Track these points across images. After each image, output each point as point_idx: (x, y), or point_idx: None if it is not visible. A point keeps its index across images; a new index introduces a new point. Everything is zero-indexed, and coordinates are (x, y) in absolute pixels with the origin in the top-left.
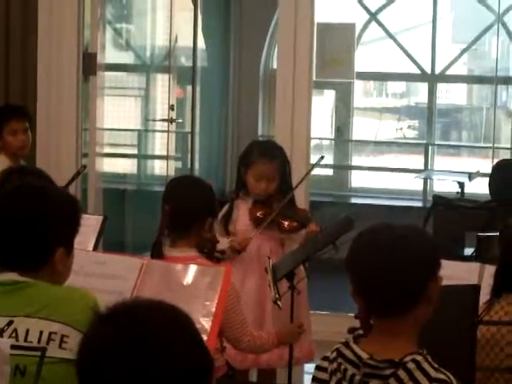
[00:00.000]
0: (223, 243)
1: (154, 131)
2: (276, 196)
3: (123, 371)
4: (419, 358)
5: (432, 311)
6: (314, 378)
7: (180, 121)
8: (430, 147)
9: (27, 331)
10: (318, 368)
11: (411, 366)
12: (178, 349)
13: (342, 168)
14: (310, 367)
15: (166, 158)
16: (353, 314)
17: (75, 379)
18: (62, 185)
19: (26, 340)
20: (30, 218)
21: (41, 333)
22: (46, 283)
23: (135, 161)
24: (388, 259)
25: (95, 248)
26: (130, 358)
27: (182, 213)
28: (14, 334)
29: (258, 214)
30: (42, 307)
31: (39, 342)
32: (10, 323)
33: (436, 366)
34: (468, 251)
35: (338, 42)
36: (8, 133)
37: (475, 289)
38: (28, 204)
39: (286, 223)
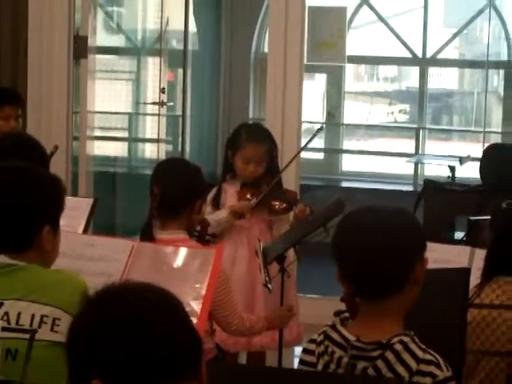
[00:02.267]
0: (220, 214)
1: (145, 114)
2: (264, 179)
3: (112, 354)
4: (406, 339)
5: (419, 293)
6: (302, 361)
7: (171, 104)
8: (421, 131)
9: (19, 314)
10: (304, 351)
11: (398, 347)
12: (168, 331)
13: (333, 152)
14: (300, 350)
15: (157, 141)
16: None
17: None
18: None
19: (17, 323)
20: (15, 199)
21: (33, 316)
22: (37, 266)
23: (126, 144)
24: (374, 242)
25: (85, 231)
26: (119, 341)
27: (172, 195)
28: (5, 318)
29: (247, 196)
30: (33, 290)
31: (31, 325)
32: (0, 305)
33: (423, 346)
34: (459, 235)
35: (330, 25)
36: (1, 117)
37: (466, 272)
38: (11, 185)
39: (277, 204)
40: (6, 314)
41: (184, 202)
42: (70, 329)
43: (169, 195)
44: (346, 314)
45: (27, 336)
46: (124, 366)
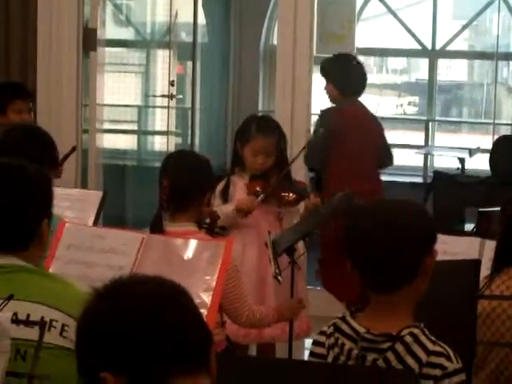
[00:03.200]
0: (227, 208)
1: (154, 107)
2: (272, 171)
3: (121, 347)
4: (416, 331)
5: (429, 285)
6: (312, 353)
7: (180, 96)
8: (430, 123)
9: (28, 315)
10: (315, 343)
11: (408, 339)
12: (177, 324)
13: None
14: (309, 342)
15: (167, 133)
16: None
17: (75, 368)
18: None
19: (27, 325)
20: (18, 198)
21: (42, 318)
22: (45, 271)
23: (135, 137)
24: (384, 234)
25: (95, 223)
26: (128, 334)
27: (181, 188)
28: (14, 317)
29: (256, 188)
30: (42, 294)
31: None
32: (7, 301)
33: (433, 338)
34: (468, 227)
35: (339, 17)
36: (13, 111)
37: (476, 263)
38: (7, 186)
39: (287, 196)
40: (15, 314)
41: (193, 195)
42: (79, 322)
43: (178, 188)
44: (358, 306)
45: (37, 337)
46: (133, 359)
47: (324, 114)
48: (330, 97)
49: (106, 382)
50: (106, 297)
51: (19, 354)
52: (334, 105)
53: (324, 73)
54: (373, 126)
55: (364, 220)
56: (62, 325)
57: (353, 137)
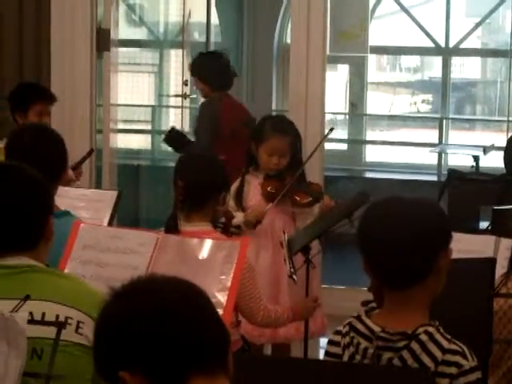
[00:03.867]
0: (238, 218)
1: (168, 107)
2: (287, 171)
3: (139, 346)
4: (431, 329)
5: (444, 284)
6: (327, 352)
7: (194, 96)
8: (444, 121)
9: (43, 314)
10: (330, 342)
11: (424, 337)
12: (194, 323)
13: (357, 143)
14: (325, 341)
15: None
16: (366, 288)
17: (90, 365)
18: (75, 162)
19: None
20: (22, 200)
21: (57, 316)
22: (56, 270)
23: (149, 137)
24: (399, 232)
25: (110, 223)
26: (146, 334)
27: (197, 187)
28: (30, 318)
29: (269, 189)
30: (56, 294)
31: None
32: (23, 302)
33: (449, 337)
34: (483, 225)
35: (352, 16)
36: (34, 113)
37: (491, 262)
38: (10, 187)
39: (300, 197)
40: (31, 313)
41: (208, 195)
42: (97, 321)
43: (193, 188)
44: (373, 304)
45: (53, 335)
46: (151, 359)
47: (203, 105)
48: (201, 93)
49: (125, 382)
50: (125, 297)
51: (35, 352)
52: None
53: (194, 71)
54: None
55: (377, 217)
56: (78, 322)
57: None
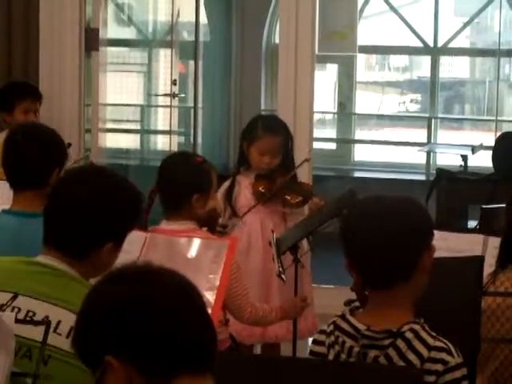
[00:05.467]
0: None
1: (157, 106)
2: (278, 171)
3: (125, 331)
4: (417, 327)
5: (432, 282)
6: (312, 352)
7: (183, 95)
8: (432, 120)
9: (58, 322)
10: (314, 342)
11: (409, 335)
12: (191, 318)
13: (345, 142)
14: None
15: (169, 133)
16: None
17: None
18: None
19: (55, 330)
20: (94, 206)
21: (71, 328)
22: (86, 284)
23: (138, 136)
24: (378, 230)
25: None
26: (133, 319)
27: (167, 190)
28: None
29: (260, 188)
30: (77, 306)
31: (68, 336)
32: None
33: (434, 334)
34: (472, 224)
35: (341, 15)
36: (20, 111)
37: (479, 260)
38: (95, 192)
39: (291, 198)
40: (47, 317)
41: (178, 197)
42: (87, 300)
43: (167, 190)
44: (357, 304)
45: (58, 344)
46: (136, 345)
47: None
48: None
49: (111, 367)
50: (121, 280)
51: (43, 358)
52: None
53: None
54: None
55: (359, 216)
56: None
57: None
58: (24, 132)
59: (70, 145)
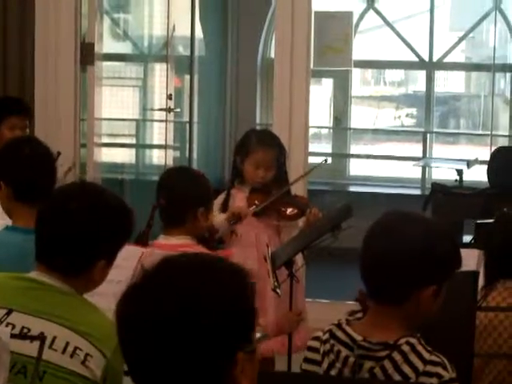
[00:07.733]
0: (220, 217)
1: (152, 121)
2: (272, 184)
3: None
4: (413, 340)
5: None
6: (306, 359)
7: (178, 110)
8: (428, 135)
9: (54, 338)
10: (309, 349)
11: (406, 348)
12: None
13: (341, 156)
14: None
15: (165, 147)
16: (350, 302)
17: None
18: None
19: (50, 346)
20: (85, 224)
21: (67, 344)
22: (78, 297)
23: (133, 150)
24: (389, 247)
25: None
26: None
27: (174, 204)
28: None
29: (255, 202)
30: (69, 319)
31: (64, 352)
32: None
33: (429, 348)
34: (467, 238)
35: (336, 30)
36: (6, 127)
37: (474, 275)
38: (86, 210)
39: (288, 210)
40: (42, 333)
41: (187, 210)
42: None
43: (172, 204)
44: (359, 315)
45: (54, 359)
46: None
47: None
48: None
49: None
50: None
51: (38, 374)
52: None
53: None
54: None
55: (371, 232)
56: (86, 354)
57: None
58: (31, 147)
59: (59, 154)
